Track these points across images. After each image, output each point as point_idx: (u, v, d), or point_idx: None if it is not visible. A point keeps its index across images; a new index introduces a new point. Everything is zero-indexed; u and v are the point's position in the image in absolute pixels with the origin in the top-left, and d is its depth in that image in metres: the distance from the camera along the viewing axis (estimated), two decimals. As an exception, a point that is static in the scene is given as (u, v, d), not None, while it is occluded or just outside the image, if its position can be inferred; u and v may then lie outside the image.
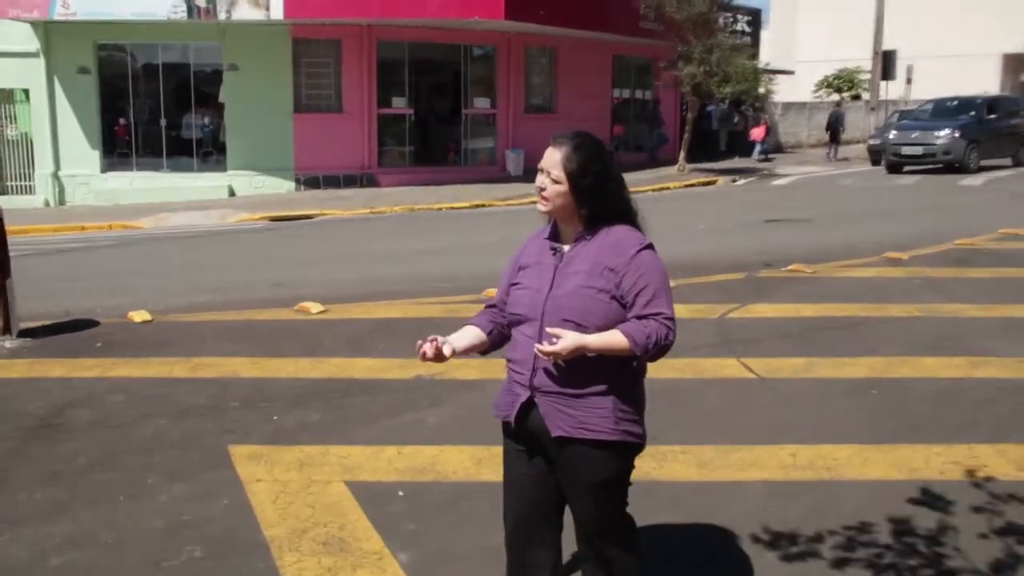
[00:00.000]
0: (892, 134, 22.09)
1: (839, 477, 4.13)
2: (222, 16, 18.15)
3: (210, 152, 19.90)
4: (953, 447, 4.45)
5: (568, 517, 2.69)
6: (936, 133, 21.00)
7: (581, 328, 2.42)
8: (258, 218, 15.88)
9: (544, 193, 2.52)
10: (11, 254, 6.84)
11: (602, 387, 2.47)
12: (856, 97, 34.93)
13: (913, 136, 21.33)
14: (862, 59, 32.29)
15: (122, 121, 19.60)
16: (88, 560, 3.47)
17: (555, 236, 2.60)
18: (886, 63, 27.01)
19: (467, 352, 2.67)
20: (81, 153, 19.21)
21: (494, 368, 5.11)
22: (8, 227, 6.86)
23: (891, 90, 29.64)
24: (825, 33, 42.91)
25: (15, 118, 19.33)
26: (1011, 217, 12.91)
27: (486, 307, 2.78)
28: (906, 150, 21.27)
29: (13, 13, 18.03)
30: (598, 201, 2.50)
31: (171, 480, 4.20)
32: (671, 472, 4.20)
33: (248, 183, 19.56)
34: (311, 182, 19.87)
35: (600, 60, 24.03)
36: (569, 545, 2.78)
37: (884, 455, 4.37)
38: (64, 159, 19.25)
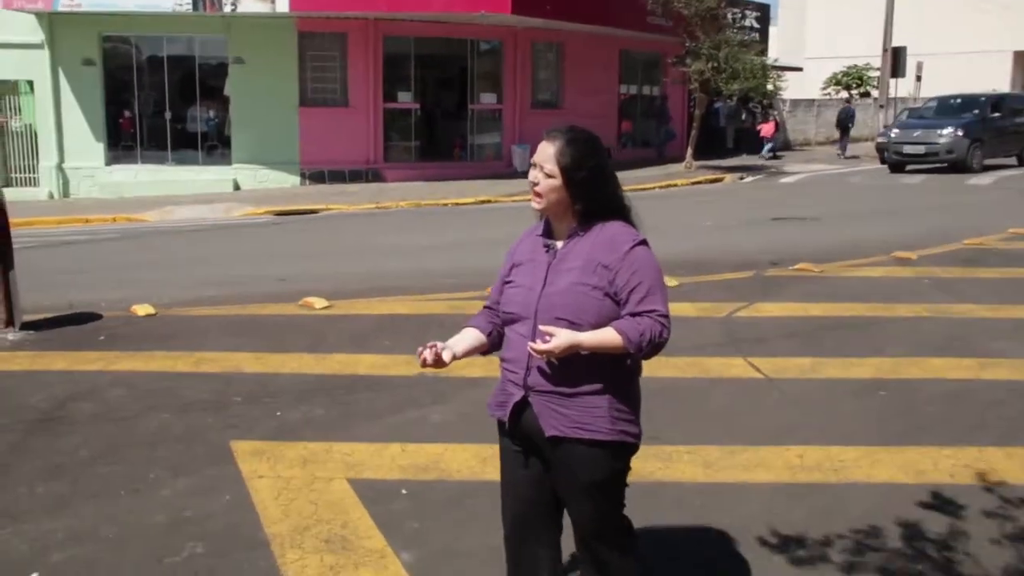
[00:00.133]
0: (894, 132, 21.72)
1: (847, 479, 4.10)
2: (227, 9, 18.13)
3: (215, 145, 19.90)
4: (962, 449, 4.42)
5: (567, 518, 2.67)
6: (939, 132, 20.64)
7: (574, 326, 2.41)
8: (263, 212, 15.88)
9: (537, 188, 2.51)
10: (15, 246, 6.84)
11: (597, 386, 2.47)
12: (865, 94, 34.84)
13: (915, 135, 21.02)
14: (871, 56, 32.21)
15: (127, 113, 19.61)
16: (89, 555, 3.47)
17: (548, 233, 2.59)
18: (895, 60, 26.89)
19: (467, 355, 2.67)
20: (85, 145, 19.23)
21: (499, 365, 5.09)
22: (12, 219, 6.86)
23: (900, 87, 29.55)
24: (834, 30, 42.79)
25: (19, 110, 19.35)
26: (1020, 217, 12.85)
27: (484, 307, 2.77)
28: (908, 149, 21.00)
29: (18, 4, 18.04)
30: (592, 196, 2.48)
31: (174, 475, 4.19)
32: (676, 472, 4.18)
33: (253, 177, 19.57)
34: (316, 176, 19.87)
35: (607, 55, 23.98)
36: (569, 545, 2.76)
37: (892, 457, 4.34)
38: (68, 151, 19.27)
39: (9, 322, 6.75)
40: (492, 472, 4.08)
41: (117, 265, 10.53)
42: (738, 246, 10.85)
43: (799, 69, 33.87)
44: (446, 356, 2.55)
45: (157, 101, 19.62)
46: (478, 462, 4.27)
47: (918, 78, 31.49)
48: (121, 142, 19.60)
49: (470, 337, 2.68)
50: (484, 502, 3.81)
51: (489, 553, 3.35)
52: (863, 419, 4.91)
